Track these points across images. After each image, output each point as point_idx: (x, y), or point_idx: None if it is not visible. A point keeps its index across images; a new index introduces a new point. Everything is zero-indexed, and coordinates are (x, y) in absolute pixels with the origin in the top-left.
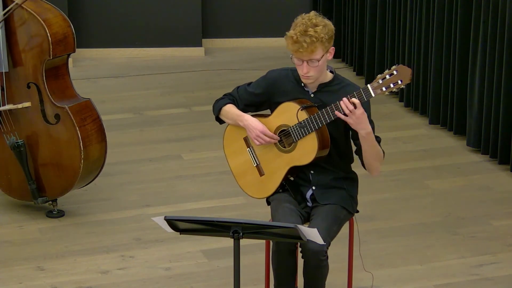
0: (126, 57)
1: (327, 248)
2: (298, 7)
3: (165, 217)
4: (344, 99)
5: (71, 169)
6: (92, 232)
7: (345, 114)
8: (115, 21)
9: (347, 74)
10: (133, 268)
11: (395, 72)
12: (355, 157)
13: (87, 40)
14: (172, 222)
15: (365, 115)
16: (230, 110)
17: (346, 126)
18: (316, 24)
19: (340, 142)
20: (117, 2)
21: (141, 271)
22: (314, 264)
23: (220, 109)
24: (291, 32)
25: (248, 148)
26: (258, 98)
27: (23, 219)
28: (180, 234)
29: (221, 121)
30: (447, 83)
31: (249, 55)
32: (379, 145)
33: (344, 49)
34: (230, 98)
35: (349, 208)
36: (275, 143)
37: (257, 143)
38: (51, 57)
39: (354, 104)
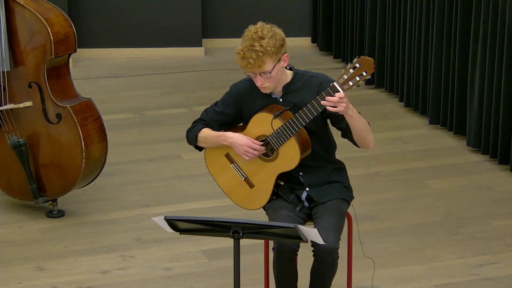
0: (126, 57)
1: (339, 246)
2: (298, 7)
3: (165, 217)
4: (328, 98)
5: (73, 169)
6: (92, 232)
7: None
8: (115, 21)
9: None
10: (133, 268)
11: (357, 65)
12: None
13: (87, 40)
14: (172, 222)
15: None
16: (207, 134)
17: (323, 115)
18: (262, 37)
19: (321, 135)
20: (117, 2)
21: (141, 271)
22: (327, 263)
23: (196, 136)
24: (238, 48)
25: (232, 164)
26: (230, 116)
27: (23, 219)
28: (180, 234)
29: (201, 149)
30: (447, 83)
31: None
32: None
33: (344, 49)
34: (201, 123)
35: (347, 198)
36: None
37: (247, 158)
38: (53, 57)
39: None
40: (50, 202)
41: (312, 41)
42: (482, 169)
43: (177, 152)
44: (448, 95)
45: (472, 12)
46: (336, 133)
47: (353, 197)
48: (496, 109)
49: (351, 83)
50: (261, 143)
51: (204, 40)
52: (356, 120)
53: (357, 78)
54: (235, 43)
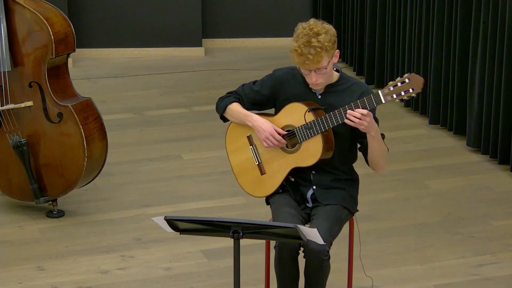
0: (126, 57)
1: (329, 248)
2: (298, 7)
3: (165, 217)
4: (350, 111)
5: (74, 168)
6: (92, 232)
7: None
8: (115, 21)
9: (347, 74)
10: (133, 268)
11: (407, 80)
12: (360, 155)
13: (87, 40)
14: (172, 222)
15: (373, 119)
16: (236, 109)
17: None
18: (318, 33)
19: (345, 141)
20: (117, 2)
21: (141, 271)
22: (316, 264)
23: (226, 107)
24: (294, 45)
25: (251, 146)
26: (264, 97)
27: (23, 219)
28: (180, 234)
29: (225, 120)
30: (447, 83)
31: (249, 55)
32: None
33: (344, 49)
34: (235, 96)
35: (350, 208)
36: None
37: (266, 145)
38: (54, 56)
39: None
40: (50, 202)
41: None
42: (482, 169)
43: (177, 152)
44: (448, 95)
45: (472, 12)
46: None
47: (357, 210)
48: (496, 109)
49: (395, 96)
50: (285, 133)
51: (204, 40)
52: (375, 142)
53: (403, 93)
54: (235, 43)
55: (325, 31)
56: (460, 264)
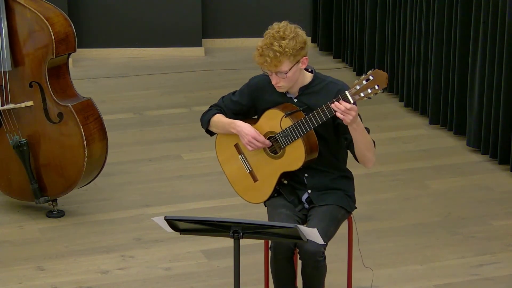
0: (126, 57)
1: (325, 249)
2: (298, 7)
3: (165, 217)
4: (335, 104)
5: (74, 168)
6: (92, 232)
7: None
8: (115, 21)
9: (347, 74)
10: (133, 268)
11: (371, 78)
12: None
13: (87, 40)
14: (172, 222)
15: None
16: (219, 119)
17: (334, 122)
18: (283, 37)
19: (330, 141)
20: (117, 2)
21: (141, 271)
22: (312, 265)
23: (209, 120)
24: (258, 44)
25: (240, 155)
26: (245, 107)
27: (23, 219)
28: (180, 234)
29: (211, 133)
30: (447, 83)
31: (249, 55)
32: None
33: (344, 49)
34: (217, 109)
35: (346, 207)
36: (265, 150)
37: (250, 148)
38: (54, 56)
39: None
40: (50, 202)
41: (312, 41)
42: (482, 169)
43: (177, 152)
44: (448, 95)
45: (472, 12)
46: None
47: (354, 207)
48: (496, 109)
49: (362, 95)
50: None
51: (204, 40)
52: (359, 134)
53: (369, 91)
54: (235, 43)
55: (292, 36)
56: (460, 264)
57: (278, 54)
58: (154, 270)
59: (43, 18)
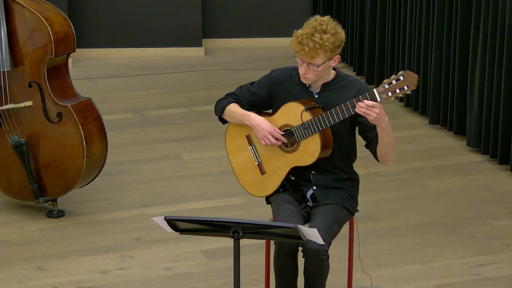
0: (126, 57)
1: (328, 248)
2: (298, 7)
3: (165, 217)
4: (359, 103)
5: (74, 168)
6: (92, 232)
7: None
8: (115, 21)
9: (347, 74)
10: (133, 268)
11: (401, 78)
12: (360, 155)
13: (87, 40)
14: (172, 222)
15: (383, 111)
16: (234, 109)
17: (352, 122)
18: (325, 31)
19: (344, 141)
20: (117, 2)
21: (141, 271)
22: (315, 264)
23: (224, 108)
24: (298, 32)
25: (250, 146)
26: (262, 98)
27: (23, 219)
28: (180, 234)
29: (224, 121)
30: (447, 83)
31: (249, 55)
32: None
33: (344, 49)
34: (233, 97)
35: (349, 208)
36: None
37: (264, 143)
38: (54, 56)
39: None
40: (50, 202)
41: None
42: (482, 169)
43: (177, 152)
44: (448, 95)
45: (472, 12)
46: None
47: (357, 210)
48: (496, 109)
49: (390, 94)
50: (282, 133)
51: (204, 40)
52: (387, 135)
53: (397, 91)
54: (235, 43)
55: (333, 32)
56: (460, 264)
57: (317, 46)
58: (154, 270)
59: (42, 18)
